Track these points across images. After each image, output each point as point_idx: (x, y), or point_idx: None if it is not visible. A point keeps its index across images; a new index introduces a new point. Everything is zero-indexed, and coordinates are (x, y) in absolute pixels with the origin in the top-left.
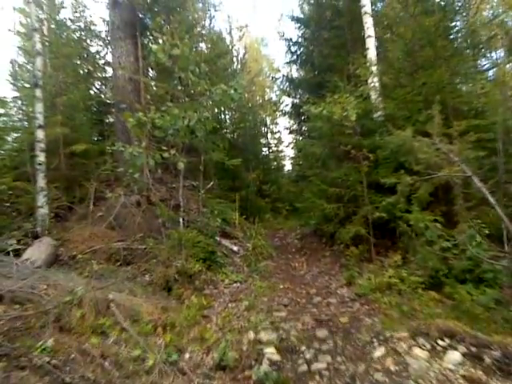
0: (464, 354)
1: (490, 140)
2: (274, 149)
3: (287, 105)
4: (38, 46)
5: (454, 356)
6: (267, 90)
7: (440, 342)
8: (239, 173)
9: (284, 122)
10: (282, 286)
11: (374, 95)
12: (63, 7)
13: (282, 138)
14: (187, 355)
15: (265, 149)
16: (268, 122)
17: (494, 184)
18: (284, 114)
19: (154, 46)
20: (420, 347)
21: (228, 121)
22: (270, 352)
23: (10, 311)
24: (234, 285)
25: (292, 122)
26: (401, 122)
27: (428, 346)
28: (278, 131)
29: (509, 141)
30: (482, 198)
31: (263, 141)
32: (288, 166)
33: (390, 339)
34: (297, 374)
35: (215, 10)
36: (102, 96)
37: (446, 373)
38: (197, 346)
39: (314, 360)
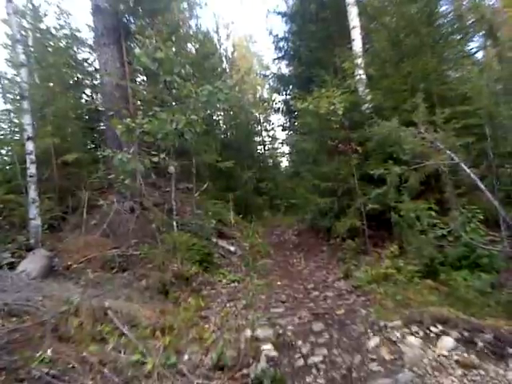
0: (457, 340)
1: (478, 125)
2: (269, 146)
3: (278, 102)
4: (22, 58)
5: (447, 342)
6: (258, 88)
7: (433, 328)
8: (234, 172)
9: (277, 119)
10: (279, 283)
11: (361, 87)
12: (46, 15)
13: (277, 135)
14: (186, 357)
15: (260, 147)
16: (261, 120)
17: (486, 169)
18: (276, 111)
19: (137, 51)
20: (413, 335)
21: (220, 121)
22: (267, 349)
23: (7, 324)
24: (232, 284)
25: (284, 118)
26: (388, 113)
27: (421, 334)
28: (272, 128)
29: (495, 125)
30: (474, 184)
31: (257, 139)
32: (285, 162)
33: (384, 329)
34: (294, 368)
35: (201, 9)
36: (92, 104)
37: (440, 359)
38: (195, 346)
39: (311, 354)
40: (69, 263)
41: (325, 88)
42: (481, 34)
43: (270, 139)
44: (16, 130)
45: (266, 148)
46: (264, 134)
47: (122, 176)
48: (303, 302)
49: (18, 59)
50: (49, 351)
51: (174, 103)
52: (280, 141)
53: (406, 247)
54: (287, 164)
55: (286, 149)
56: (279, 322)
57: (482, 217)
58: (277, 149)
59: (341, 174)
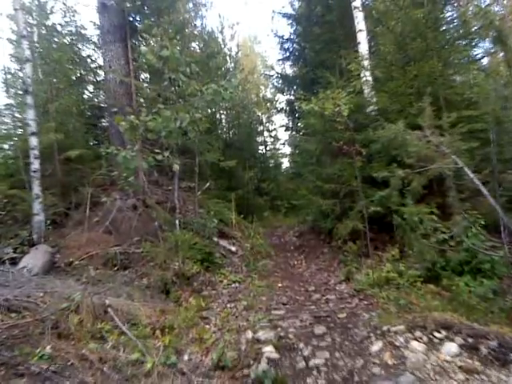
0: (461, 345)
1: (483, 130)
2: (271, 147)
3: (282, 102)
4: (27, 53)
5: (451, 347)
6: (262, 88)
7: (437, 334)
8: (236, 172)
9: (280, 120)
10: (280, 285)
11: (366, 89)
12: (52, 12)
13: (279, 136)
14: (186, 356)
15: (261, 147)
16: (264, 120)
17: (489, 174)
18: (279, 112)
19: (144, 48)
20: (417, 340)
21: (223, 120)
22: (269, 350)
23: (6, 320)
24: (233, 285)
25: (287, 119)
26: (393, 116)
27: (425, 339)
28: (274, 129)
29: (501, 131)
30: (476, 189)
31: (260, 139)
32: (286, 163)
33: (387, 333)
34: (295, 370)
35: (206, 10)
36: (96, 100)
37: (443, 364)
38: (196, 347)
39: (312, 356)
40: (71, 260)
41: (330, 89)
42: (487, 39)
43: (272, 139)
44: (19, 124)
45: (268, 148)
46: (266, 134)
47: (125, 173)
48: (304, 305)
49: (23, 54)
50: (48, 348)
51: (178, 101)
52: (282, 141)
53: (407, 251)
54: (288, 165)
55: (287, 149)
56: (280, 324)
57: (483, 222)
58: (278, 149)
59: (344, 175)
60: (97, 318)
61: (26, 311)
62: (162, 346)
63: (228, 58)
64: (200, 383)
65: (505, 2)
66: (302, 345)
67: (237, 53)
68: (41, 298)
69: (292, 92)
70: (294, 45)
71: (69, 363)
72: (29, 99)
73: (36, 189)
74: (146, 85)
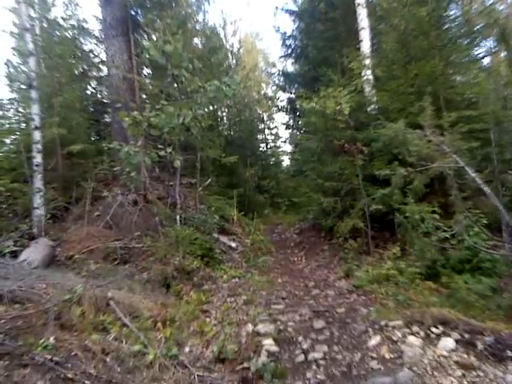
0: (457, 341)
1: (483, 130)
2: (272, 144)
3: (283, 100)
4: (30, 46)
5: (448, 343)
6: (263, 85)
7: (434, 329)
8: (237, 169)
9: (281, 118)
10: (280, 280)
11: (367, 88)
12: (54, 5)
13: (280, 134)
14: (187, 349)
15: (262, 145)
16: (265, 118)
17: (490, 174)
18: (280, 110)
19: (147, 43)
20: (414, 335)
21: (225, 118)
22: (268, 343)
23: (10, 311)
24: (233, 280)
25: (288, 117)
26: (394, 115)
27: (422, 334)
28: (275, 127)
29: (501, 131)
30: (478, 188)
31: (260, 137)
32: (286, 161)
33: (385, 328)
34: (294, 364)
35: (209, 4)
36: (98, 95)
37: (440, 359)
38: (196, 339)
39: (311, 350)
40: (71, 253)
41: (331, 87)
42: (489, 38)
43: (273, 137)
44: (22, 119)
45: (269, 146)
46: (267, 131)
47: (127, 169)
48: (304, 300)
49: (26, 48)
50: (51, 338)
51: (180, 97)
52: (283, 139)
53: (408, 249)
54: (289, 163)
55: (288, 147)
56: (280, 318)
57: (485, 221)
58: (279, 147)
59: (345, 173)
60: (99, 310)
61: (28, 303)
62: (163, 338)
63: (230, 54)
64: (201, 375)
65: (509, 0)
66: (301, 338)
67: (239, 49)
68: (43, 290)
69: (293, 90)
70: (297, 41)
71: (72, 354)
72: (33, 93)
73: (38, 183)
74: (148, 81)
